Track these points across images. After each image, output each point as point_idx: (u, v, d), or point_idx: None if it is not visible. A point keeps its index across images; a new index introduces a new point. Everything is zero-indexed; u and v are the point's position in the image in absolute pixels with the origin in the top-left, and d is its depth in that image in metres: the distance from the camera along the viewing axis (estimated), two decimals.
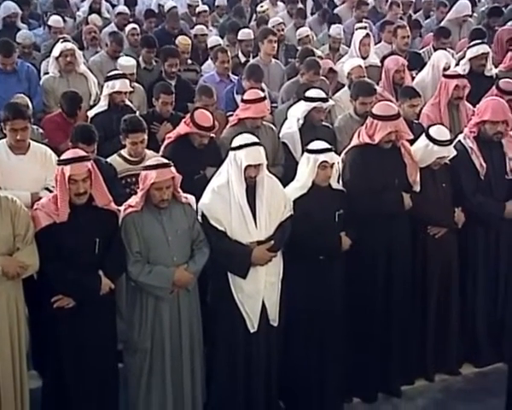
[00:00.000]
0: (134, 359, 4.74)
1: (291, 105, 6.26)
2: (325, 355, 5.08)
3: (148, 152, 5.55)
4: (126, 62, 7.09)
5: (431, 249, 5.37)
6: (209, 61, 7.98)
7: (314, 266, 4.99)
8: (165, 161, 4.74)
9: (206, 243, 4.79)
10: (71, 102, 6.12)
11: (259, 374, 4.88)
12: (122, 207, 4.72)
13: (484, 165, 5.46)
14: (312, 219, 4.96)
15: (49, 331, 4.63)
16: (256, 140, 4.85)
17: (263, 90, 6.43)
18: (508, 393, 4.41)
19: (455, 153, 5.34)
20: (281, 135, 6.05)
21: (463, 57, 7.25)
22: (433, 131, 5.30)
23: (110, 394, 4.72)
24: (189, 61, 8.03)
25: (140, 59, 7.82)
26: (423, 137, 5.34)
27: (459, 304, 5.54)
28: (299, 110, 5.96)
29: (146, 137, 5.53)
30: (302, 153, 5.24)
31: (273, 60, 7.94)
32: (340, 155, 5.32)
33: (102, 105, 6.43)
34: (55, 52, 7.13)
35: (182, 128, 5.63)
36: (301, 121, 5.92)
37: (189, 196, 4.84)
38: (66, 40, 7.38)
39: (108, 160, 5.47)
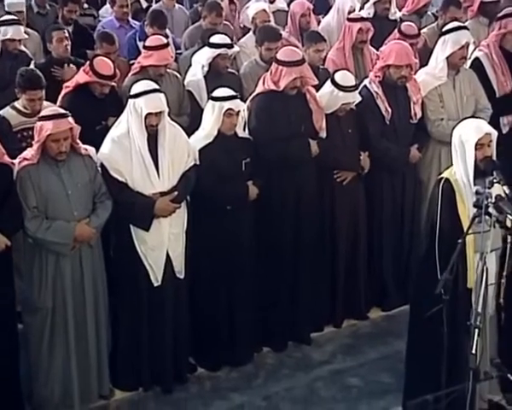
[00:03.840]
0: (34, 318, 4.57)
1: (195, 51, 6.09)
2: (234, 306, 5.06)
3: (44, 102, 5.27)
4: None
5: (338, 196, 5.38)
6: (107, 6, 7.70)
7: (221, 216, 4.91)
8: (62, 111, 4.52)
9: (109, 195, 4.62)
10: None
11: (166, 329, 4.80)
12: (16, 161, 4.49)
13: (389, 109, 5.48)
14: (219, 169, 4.86)
15: None
16: (156, 87, 4.69)
17: (167, 37, 6.22)
18: (409, 332, 4.50)
19: (360, 99, 5.32)
20: (185, 83, 5.88)
21: (367, 0, 7.22)
22: (338, 76, 5.25)
23: (10, 356, 4.53)
24: (86, 6, 7.71)
25: (32, 2, 7.41)
26: (328, 82, 5.29)
27: (367, 250, 5.60)
28: (203, 57, 5.80)
29: (44, 92, 5.23)
30: (208, 101, 5.10)
31: (176, 5, 7.72)
32: (245, 102, 5.21)
33: None
34: None
35: (81, 77, 5.39)
36: (206, 68, 5.78)
37: (89, 147, 4.64)
38: None
39: (1, 112, 5.17)
